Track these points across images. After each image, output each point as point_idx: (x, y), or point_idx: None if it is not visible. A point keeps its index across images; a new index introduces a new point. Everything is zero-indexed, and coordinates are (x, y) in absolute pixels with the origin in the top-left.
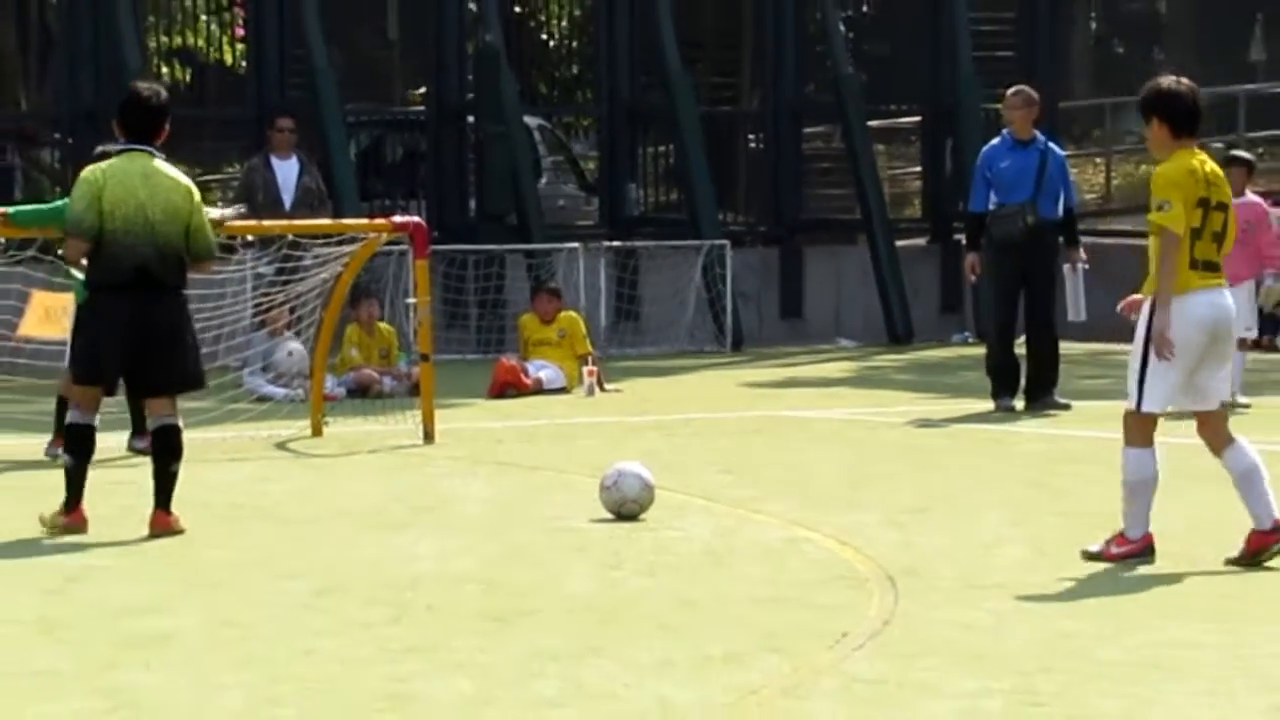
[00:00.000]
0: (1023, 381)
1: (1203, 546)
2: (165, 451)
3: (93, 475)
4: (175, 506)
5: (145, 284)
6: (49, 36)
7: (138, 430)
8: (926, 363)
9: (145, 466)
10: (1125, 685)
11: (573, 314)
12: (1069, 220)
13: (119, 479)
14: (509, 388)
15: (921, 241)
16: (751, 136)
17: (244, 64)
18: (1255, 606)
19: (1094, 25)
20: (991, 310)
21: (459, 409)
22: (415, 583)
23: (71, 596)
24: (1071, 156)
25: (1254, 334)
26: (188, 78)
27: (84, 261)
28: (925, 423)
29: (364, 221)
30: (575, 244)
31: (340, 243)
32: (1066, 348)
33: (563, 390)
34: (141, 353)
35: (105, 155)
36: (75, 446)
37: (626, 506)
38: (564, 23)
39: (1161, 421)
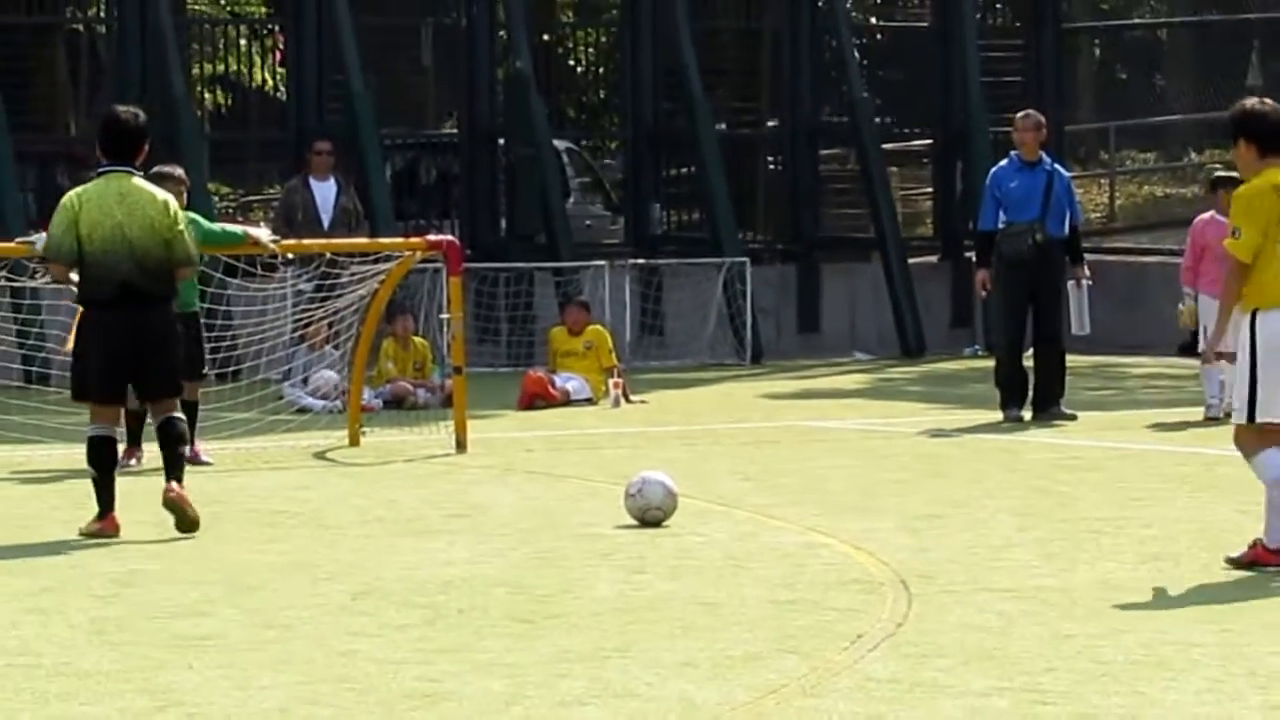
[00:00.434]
0: (1030, 393)
1: (1202, 549)
2: (172, 438)
3: (138, 483)
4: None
5: (130, 299)
6: (98, 64)
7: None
8: (938, 375)
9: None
10: (1129, 684)
11: (599, 328)
12: (1074, 238)
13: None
14: (538, 399)
15: (933, 259)
16: (770, 158)
17: (284, 89)
18: (1254, 606)
19: (1097, 52)
20: (1000, 324)
21: (490, 419)
22: (448, 586)
23: (121, 600)
24: (1076, 177)
25: None
26: (230, 102)
27: (74, 276)
28: (937, 432)
29: (399, 240)
30: (602, 262)
31: (376, 260)
32: (1072, 360)
33: (589, 401)
34: (133, 364)
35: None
36: (97, 457)
37: (650, 513)
38: (591, 50)
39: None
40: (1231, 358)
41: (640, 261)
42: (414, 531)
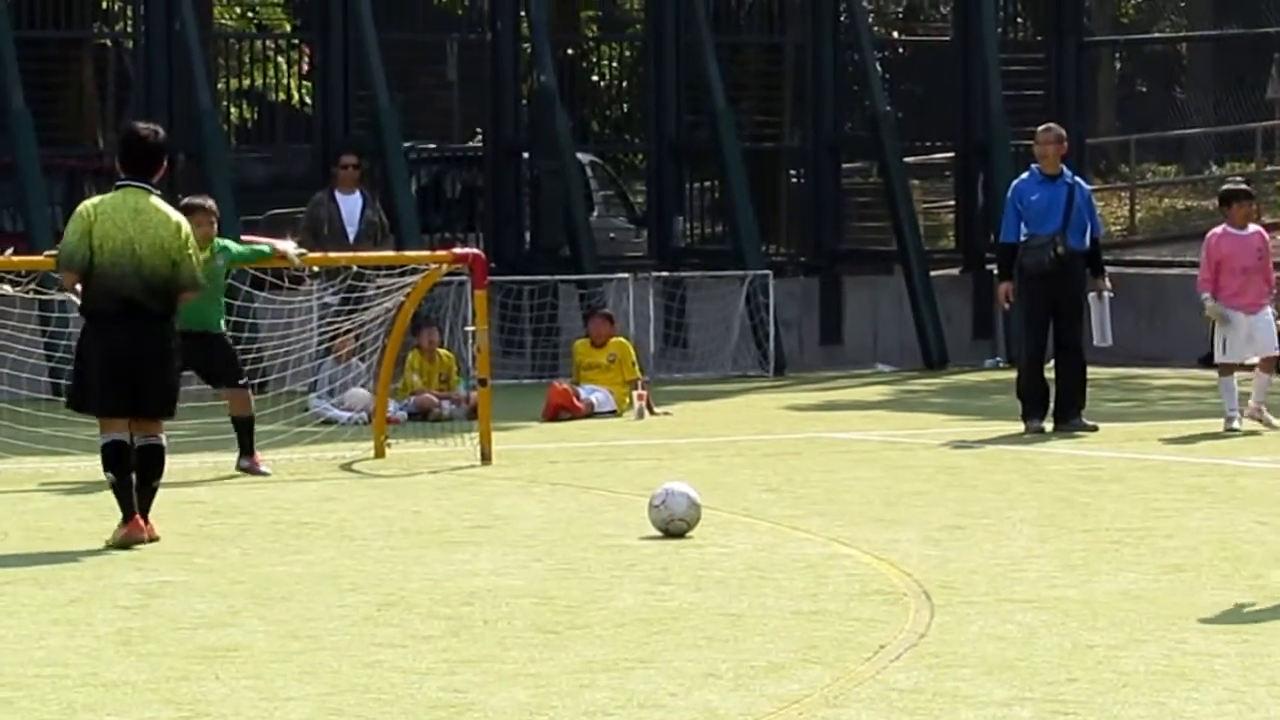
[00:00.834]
0: (1052, 404)
1: (1223, 560)
2: (150, 469)
3: (166, 495)
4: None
5: (133, 313)
6: (126, 79)
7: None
8: (960, 387)
9: (217, 486)
10: (1148, 694)
11: (623, 340)
12: (1095, 251)
13: (192, 498)
14: (562, 411)
15: (955, 271)
16: (793, 172)
17: (310, 103)
18: (1273, 617)
19: (1118, 66)
20: (1022, 336)
21: (515, 431)
22: (473, 597)
23: (148, 611)
24: (1097, 190)
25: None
26: (256, 116)
27: (78, 287)
28: (959, 444)
29: (425, 253)
30: (625, 274)
31: (402, 273)
32: (1093, 372)
33: (613, 413)
34: (130, 377)
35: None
36: (111, 463)
37: (674, 524)
38: (614, 64)
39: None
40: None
41: (664, 274)
42: (439, 543)
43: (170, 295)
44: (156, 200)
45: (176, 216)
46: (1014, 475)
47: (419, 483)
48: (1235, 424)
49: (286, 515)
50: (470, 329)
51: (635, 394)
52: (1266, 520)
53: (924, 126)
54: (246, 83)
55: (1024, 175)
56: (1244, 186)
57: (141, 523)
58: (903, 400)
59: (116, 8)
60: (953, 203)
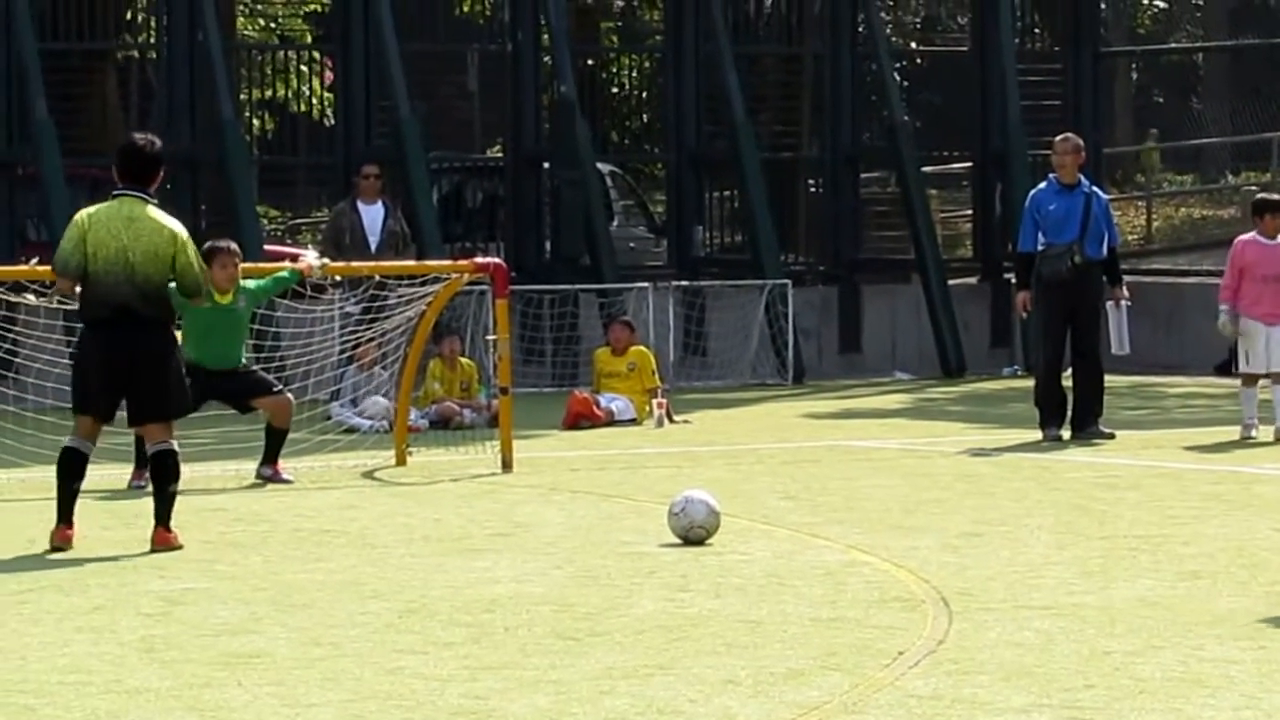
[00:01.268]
0: (1069, 412)
1: (1240, 567)
2: (163, 476)
3: (188, 503)
4: (272, 535)
5: (127, 320)
6: (149, 90)
7: (139, 465)
8: (978, 395)
9: (239, 494)
10: (1165, 701)
11: (643, 349)
12: (1112, 260)
13: (212, 505)
14: (582, 419)
15: (972, 280)
16: (811, 181)
17: (332, 114)
18: None
19: (1135, 75)
20: (1039, 344)
21: (535, 439)
22: (494, 604)
23: (171, 618)
24: (1114, 199)
25: None
26: (278, 127)
27: (78, 290)
28: (977, 452)
29: (446, 263)
30: (645, 283)
31: (424, 283)
32: (1110, 380)
33: (633, 422)
34: (127, 383)
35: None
36: (62, 469)
37: (694, 531)
38: (634, 74)
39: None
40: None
41: (683, 283)
42: (460, 550)
43: (163, 301)
44: (152, 209)
45: (172, 225)
46: (1032, 483)
47: (440, 490)
48: (1253, 432)
49: (308, 523)
50: (491, 338)
51: (655, 402)
52: None
53: (942, 136)
54: (269, 94)
55: (1042, 185)
56: (1277, 197)
57: (69, 533)
58: (921, 408)
59: (140, 19)
60: (970, 212)
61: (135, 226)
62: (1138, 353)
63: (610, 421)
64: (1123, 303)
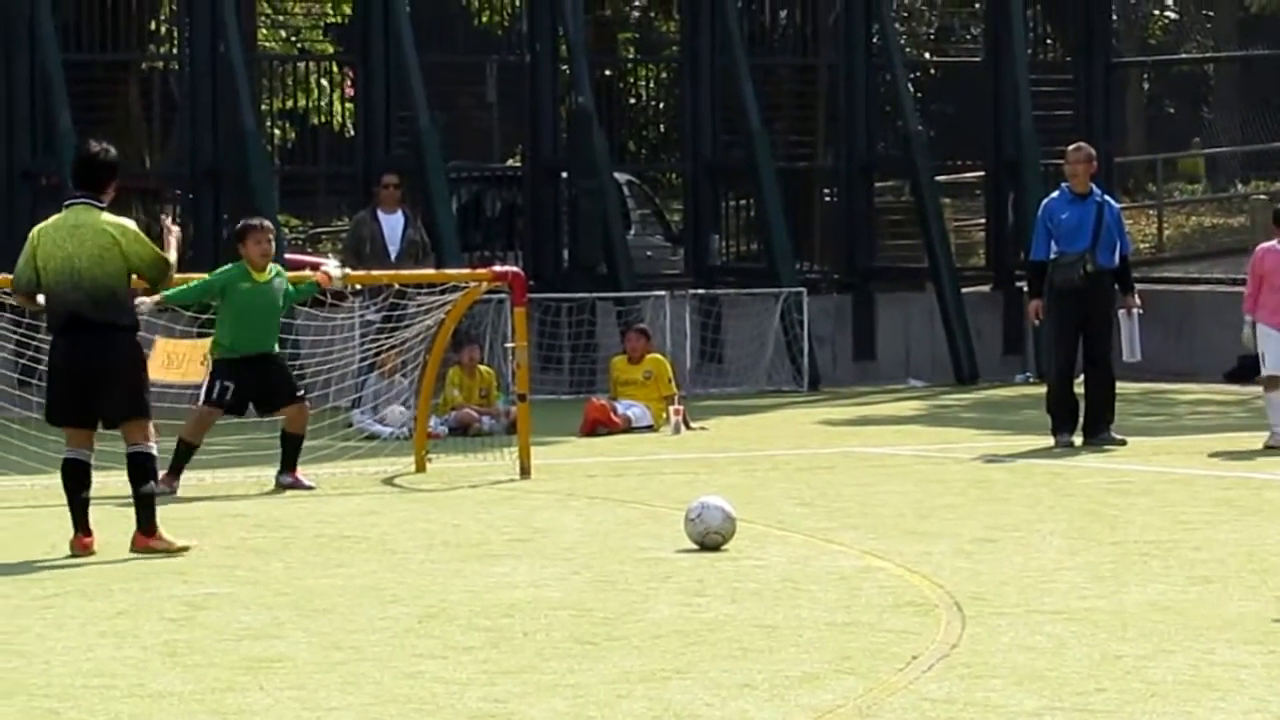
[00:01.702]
0: (1081, 419)
1: (1250, 572)
2: (138, 479)
3: (210, 509)
4: (293, 541)
5: (81, 327)
6: (171, 101)
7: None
8: (991, 401)
9: (260, 500)
10: (1177, 704)
11: (659, 357)
12: (1124, 268)
13: (234, 511)
14: (599, 426)
15: (985, 288)
16: (826, 191)
17: (352, 124)
18: None
19: (1146, 86)
20: (1051, 352)
21: (553, 446)
22: (512, 609)
23: (193, 623)
24: (1125, 208)
25: None
26: (299, 137)
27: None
28: (990, 458)
29: (465, 271)
30: (662, 292)
31: (443, 291)
32: (1122, 387)
33: (650, 428)
34: (90, 389)
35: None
36: (66, 480)
37: (710, 537)
38: (651, 85)
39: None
40: None
41: (700, 291)
42: (479, 555)
43: (118, 304)
44: (99, 214)
45: (116, 222)
46: (1044, 489)
47: (459, 497)
48: (1277, 440)
49: (329, 529)
50: (509, 345)
51: (671, 409)
52: None
53: (955, 146)
54: (290, 104)
55: (1054, 194)
56: None
57: (88, 540)
58: (934, 415)
59: (163, 31)
60: (983, 221)
61: (79, 234)
62: (1149, 360)
63: (627, 428)
64: (1134, 311)
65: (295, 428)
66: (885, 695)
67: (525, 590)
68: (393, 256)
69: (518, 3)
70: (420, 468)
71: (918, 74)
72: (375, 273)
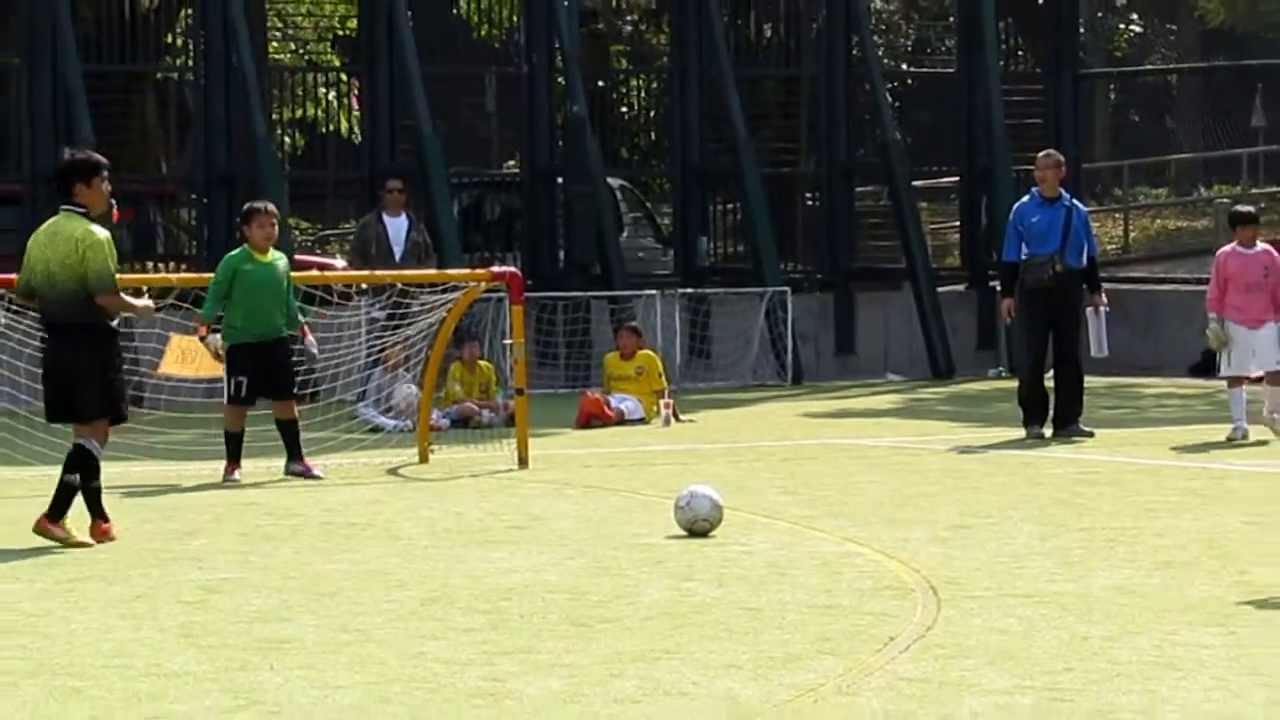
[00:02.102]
0: (1051, 412)
1: (1211, 558)
2: (68, 465)
3: (223, 497)
4: (303, 528)
5: (57, 329)
6: (186, 110)
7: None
8: (965, 395)
9: (271, 489)
10: (1142, 683)
11: (650, 353)
12: (1091, 269)
13: (246, 500)
14: (594, 419)
15: (960, 287)
16: (809, 195)
17: (359, 132)
18: (1258, 611)
19: (1113, 96)
20: (1023, 348)
21: (549, 438)
22: (510, 592)
23: (208, 606)
24: (1093, 212)
25: None
26: (308, 144)
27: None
28: (964, 449)
29: (466, 271)
30: (653, 291)
31: (445, 290)
32: (1090, 381)
33: (642, 421)
34: (61, 389)
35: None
36: (71, 466)
37: (698, 524)
38: (642, 95)
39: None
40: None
41: (689, 291)
42: (479, 542)
43: (86, 308)
44: (78, 221)
45: (85, 229)
46: (1016, 478)
47: (460, 486)
48: (1241, 434)
49: (336, 516)
50: (508, 342)
51: (662, 403)
52: (1252, 520)
53: (931, 153)
54: (300, 113)
55: (1025, 198)
56: (1250, 210)
57: (105, 525)
58: (911, 408)
59: (179, 43)
60: (958, 223)
61: (55, 240)
62: (1116, 355)
63: (620, 421)
64: (1101, 309)
65: (283, 414)
66: (864, 675)
67: (523, 575)
68: (397, 257)
69: (515, 17)
70: (423, 458)
71: (895, 84)
72: (380, 273)
